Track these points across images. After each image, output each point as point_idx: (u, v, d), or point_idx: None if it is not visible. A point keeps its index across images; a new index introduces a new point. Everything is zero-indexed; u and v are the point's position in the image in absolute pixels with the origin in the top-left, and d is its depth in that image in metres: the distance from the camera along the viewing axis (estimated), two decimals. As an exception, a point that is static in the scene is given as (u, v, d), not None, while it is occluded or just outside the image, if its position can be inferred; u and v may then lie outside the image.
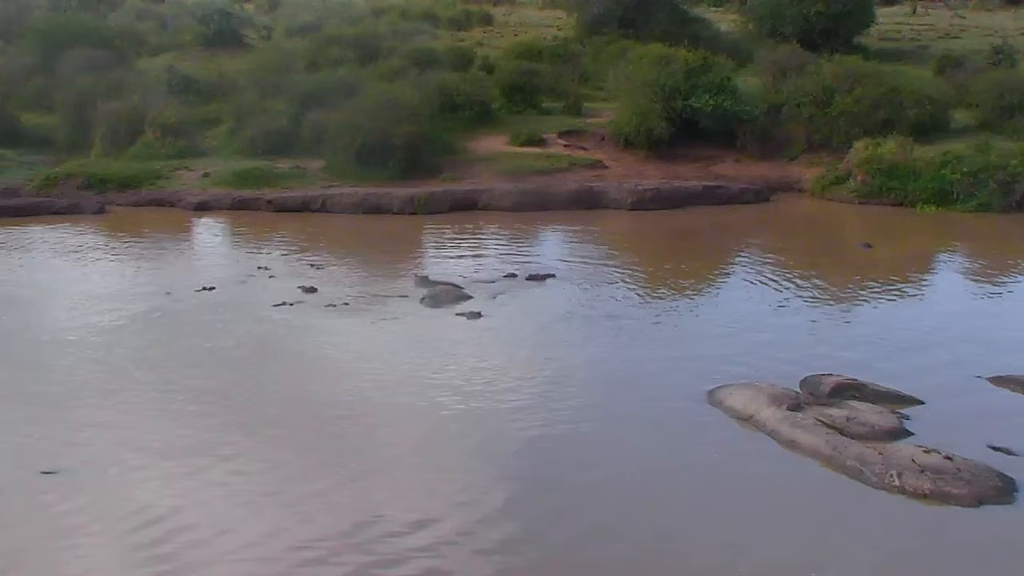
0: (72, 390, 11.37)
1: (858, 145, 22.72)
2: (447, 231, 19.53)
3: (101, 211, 20.85)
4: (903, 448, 9.83)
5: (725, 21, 39.01)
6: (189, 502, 8.90)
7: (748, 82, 26.32)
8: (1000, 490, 9.19)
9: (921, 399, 11.19)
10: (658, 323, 14.23)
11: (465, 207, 21.28)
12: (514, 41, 35.30)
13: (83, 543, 8.32)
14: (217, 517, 8.65)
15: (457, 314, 14.20)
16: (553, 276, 16.27)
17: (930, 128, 23.68)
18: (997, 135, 23.16)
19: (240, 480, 9.37)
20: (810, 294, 15.58)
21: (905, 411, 10.89)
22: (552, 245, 19.16)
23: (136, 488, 9.17)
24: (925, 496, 9.09)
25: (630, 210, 21.44)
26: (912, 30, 40.13)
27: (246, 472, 9.52)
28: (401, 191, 21.29)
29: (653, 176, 23.01)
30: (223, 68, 29.16)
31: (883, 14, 40.26)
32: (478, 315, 14.12)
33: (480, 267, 16.89)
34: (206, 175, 22.18)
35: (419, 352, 12.69)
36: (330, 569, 7.95)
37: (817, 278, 16.35)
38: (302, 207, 21.04)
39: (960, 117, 25.02)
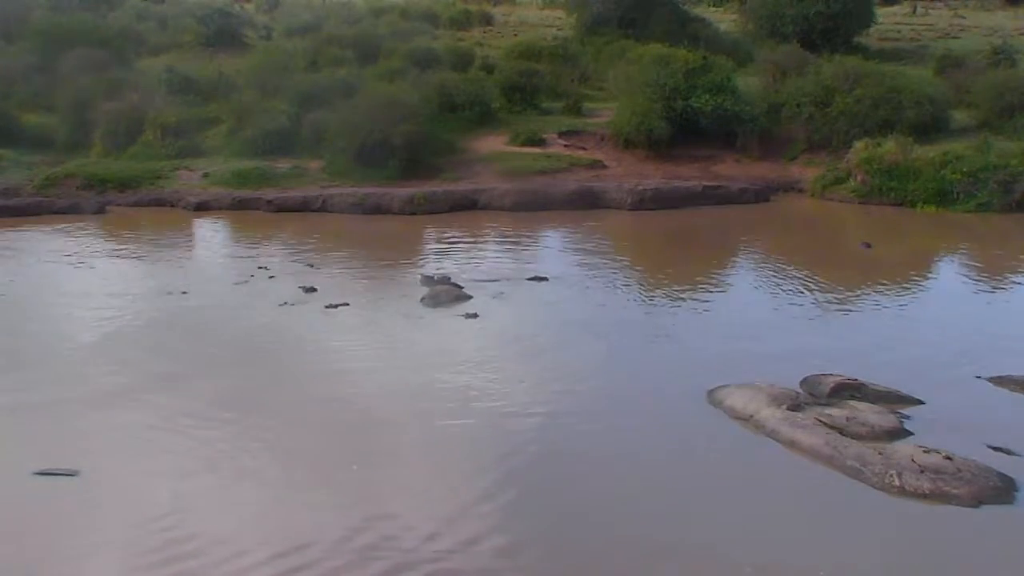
0: (73, 391, 11.36)
1: (858, 145, 22.72)
2: (447, 231, 19.52)
3: (101, 211, 20.84)
4: (903, 448, 9.83)
5: (725, 21, 39.01)
6: (191, 505, 8.90)
7: (748, 82, 26.32)
8: (1000, 490, 9.19)
9: (921, 399, 11.20)
10: (658, 323, 14.22)
11: (465, 207, 21.28)
12: (514, 41, 35.26)
13: (89, 546, 8.32)
14: (220, 520, 8.64)
15: (457, 314, 14.20)
16: (553, 277, 16.26)
17: (930, 128, 23.66)
18: (997, 135, 23.13)
19: (241, 482, 9.37)
20: (810, 294, 15.58)
21: (905, 411, 10.90)
22: (552, 245, 19.17)
23: (139, 491, 9.16)
24: (925, 496, 9.09)
25: (630, 210, 21.44)
26: (912, 30, 40.11)
27: (247, 474, 9.52)
28: (401, 191, 21.28)
29: (653, 176, 23.00)
30: (223, 68, 29.13)
31: (883, 14, 40.22)
32: (477, 316, 14.13)
33: (480, 267, 16.89)
34: (206, 175, 22.18)
35: (419, 352, 12.69)
36: (332, 572, 7.96)
37: (817, 278, 16.35)
38: (302, 207, 21.03)
39: (960, 117, 24.99)
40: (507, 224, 20.21)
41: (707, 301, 15.41)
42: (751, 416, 10.66)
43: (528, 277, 16.17)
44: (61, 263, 16.98)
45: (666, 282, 16.38)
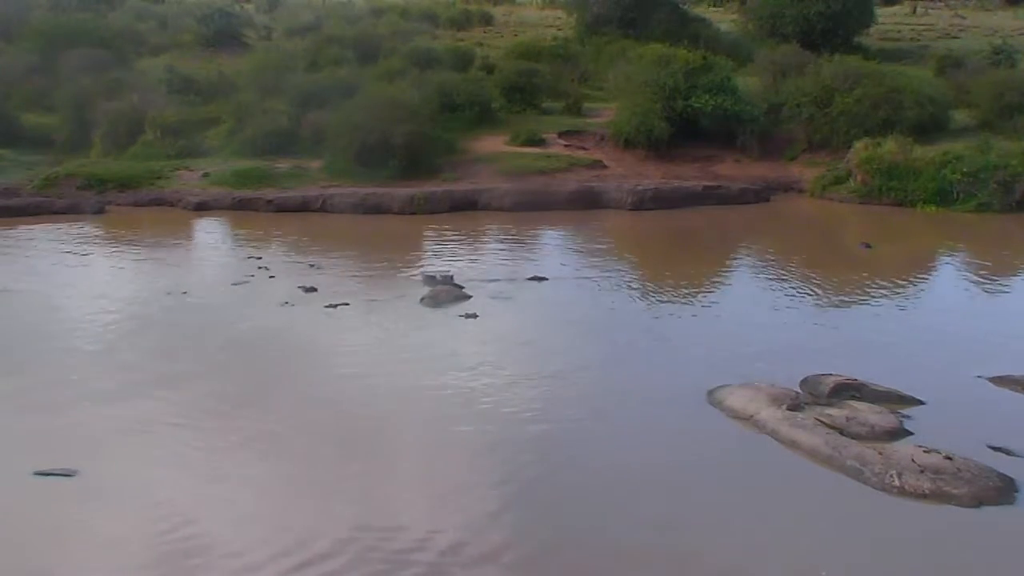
0: (73, 391, 11.35)
1: (858, 145, 22.71)
2: (447, 231, 19.52)
3: (101, 211, 20.84)
4: (903, 448, 9.83)
5: (725, 21, 39.02)
6: (192, 505, 8.89)
7: (748, 82, 26.32)
8: (1000, 490, 9.19)
9: (921, 399, 11.20)
10: (658, 323, 14.23)
11: (465, 207, 21.27)
12: (514, 41, 35.32)
13: (89, 546, 8.33)
14: (221, 521, 8.64)
15: (457, 315, 14.19)
16: (553, 277, 16.26)
17: (930, 128, 23.68)
18: (997, 135, 23.15)
19: (241, 482, 9.37)
20: (810, 294, 15.58)
21: (905, 411, 10.90)
22: (552, 245, 19.17)
23: (139, 491, 9.16)
24: (925, 496, 9.09)
25: (630, 210, 21.44)
26: (912, 30, 40.15)
27: (247, 474, 9.52)
28: (401, 191, 21.27)
29: (653, 176, 23.01)
30: (223, 68, 29.14)
31: (883, 14, 40.28)
32: (477, 316, 14.12)
33: (480, 267, 16.88)
34: (206, 175, 22.17)
35: (419, 352, 12.69)
36: (334, 574, 7.96)
37: (817, 278, 16.35)
38: (302, 207, 21.03)
39: (960, 117, 25.01)
40: (507, 224, 20.20)
41: (707, 301, 15.41)
42: (751, 416, 10.66)
43: (528, 277, 16.17)
44: (61, 263, 16.96)
45: (666, 282, 16.37)
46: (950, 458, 9.48)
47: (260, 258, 17.26)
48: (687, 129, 23.99)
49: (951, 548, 8.40)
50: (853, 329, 13.97)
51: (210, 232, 19.84)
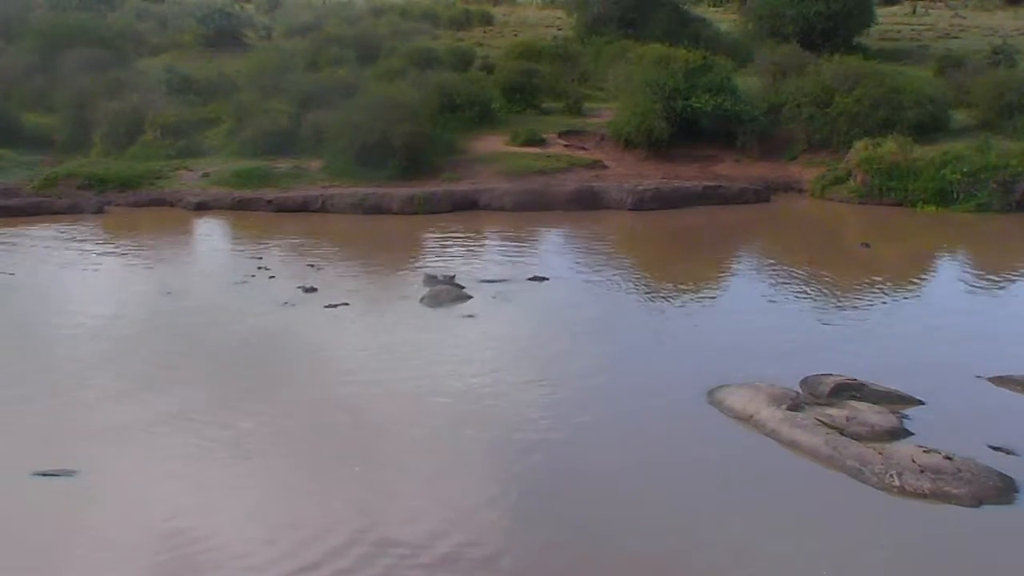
0: (73, 391, 11.35)
1: (858, 145, 22.70)
2: (447, 231, 19.51)
3: (101, 211, 20.83)
4: (903, 448, 9.84)
5: (725, 21, 39.02)
6: (192, 506, 8.90)
7: (748, 82, 26.31)
8: (1000, 490, 9.21)
9: (921, 399, 11.20)
10: (658, 323, 14.23)
11: (465, 207, 21.26)
12: (514, 41, 35.30)
13: (89, 547, 8.33)
14: (221, 522, 8.65)
15: (457, 315, 14.19)
16: (554, 277, 16.26)
17: (930, 128, 23.68)
18: (997, 135, 23.14)
19: (241, 483, 9.37)
20: (810, 294, 15.58)
21: (905, 411, 10.90)
22: (552, 245, 19.16)
23: (138, 492, 9.16)
24: (925, 496, 9.09)
25: (630, 210, 21.43)
26: (912, 30, 40.15)
27: (246, 474, 9.52)
28: (401, 191, 21.27)
29: (653, 176, 22.99)
30: (223, 68, 29.14)
31: (883, 14, 40.26)
32: (474, 316, 14.12)
33: (480, 267, 16.87)
34: (206, 175, 22.17)
35: (419, 353, 12.69)
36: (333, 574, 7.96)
37: (817, 278, 16.35)
38: (302, 207, 21.02)
39: (960, 117, 25.00)
40: (507, 224, 20.20)
41: (707, 301, 15.41)
42: (751, 416, 10.67)
43: (528, 277, 16.17)
44: (61, 263, 16.95)
45: (666, 282, 16.37)
46: (950, 458, 9.48)
47: (260, 258, 17.26)
48: (687, 129, 23.98)
49: (951, 548, 8.40)
50: (853, 329, 13.97)
51: (210, 232, 19.83)
